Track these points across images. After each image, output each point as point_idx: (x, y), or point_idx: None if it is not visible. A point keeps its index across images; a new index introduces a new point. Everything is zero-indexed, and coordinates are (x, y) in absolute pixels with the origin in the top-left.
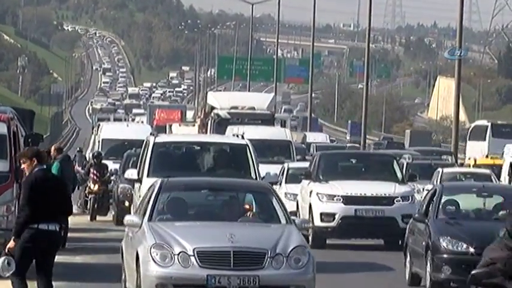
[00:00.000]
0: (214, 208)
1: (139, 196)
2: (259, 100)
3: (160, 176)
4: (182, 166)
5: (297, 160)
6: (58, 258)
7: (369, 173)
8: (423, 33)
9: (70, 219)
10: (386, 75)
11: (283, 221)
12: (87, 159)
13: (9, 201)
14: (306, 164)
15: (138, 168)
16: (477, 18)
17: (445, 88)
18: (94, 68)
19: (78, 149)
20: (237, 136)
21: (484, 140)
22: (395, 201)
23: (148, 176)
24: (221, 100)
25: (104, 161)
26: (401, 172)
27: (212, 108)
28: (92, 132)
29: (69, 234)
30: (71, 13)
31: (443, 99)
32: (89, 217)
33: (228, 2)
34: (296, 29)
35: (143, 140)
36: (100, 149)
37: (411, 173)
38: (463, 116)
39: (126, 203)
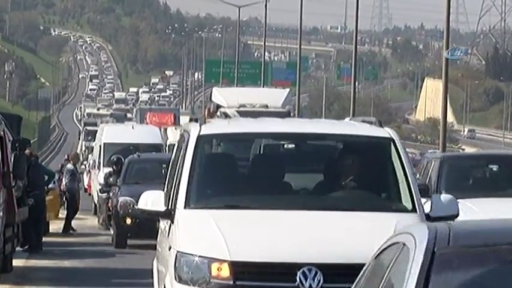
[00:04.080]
0: None
1: (170, 249)
2: (272, 96)
3: (211, 205)
4: (256, 184)
5: None
6: (47, 263)
7: None
8: (410, 35)
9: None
10: (374, 77)
11: None
12: (77, 168)
13: None
14: None
15: (165, 189)
16: (464, 19)
17: (432, 90)
18: (80, 76)
19: (66, 157)
20: (371, 123)
21: None
22: None
23: (187, 205)
24: (229, 97)
25: (106, 168)
26: None
27: (218, 106)
28: (79, 138)
29: (59, 239)
30: (58, 18)
31: (431, 101)
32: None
33: (215, 5)
34: (283, 31)
35: (152, 144)
36: (102, 155)
37: None
38: (451, 118)
39: (128, 221)
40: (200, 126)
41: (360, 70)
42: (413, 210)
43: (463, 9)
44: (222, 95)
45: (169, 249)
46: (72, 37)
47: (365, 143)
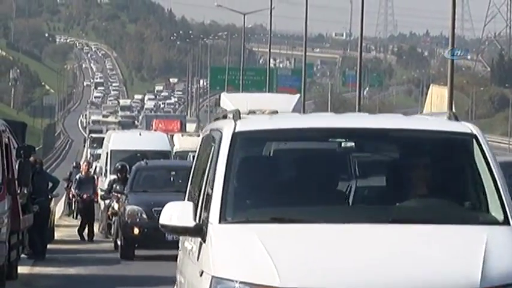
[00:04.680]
0: None
1: (201, 274)
2: (283, 102)
3: (253, 219)
4: (306, 193)
5: None
6: (52, 270)
7: None
8: (415, 41)
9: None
10: (379, 84)
11: None
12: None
13: (2, 213)
14: None
15: (188, 199)
16: (469, 26)
17: (437, 96)
18: (85, 84)
19: (74, 164)
20: (454, 118)
21: None
22: None
23: (222, 219)
24: (237, 103)
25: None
26: None
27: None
28: (84, 145)
29: (62, 246)
30: (63, 25)
31: (436, 108)
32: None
33: (220, 12)
34: (288, 38)
35: (159, 151)
36: (109, 162)
37: None
38: None
39: (136, 230)
40: (235, 122)
41: (365, 77)
42: (506, 222)
43: (468, 16)
44: (230, 101)
45: (201, 275)
46: (77, 44)
47: (441, 141)
